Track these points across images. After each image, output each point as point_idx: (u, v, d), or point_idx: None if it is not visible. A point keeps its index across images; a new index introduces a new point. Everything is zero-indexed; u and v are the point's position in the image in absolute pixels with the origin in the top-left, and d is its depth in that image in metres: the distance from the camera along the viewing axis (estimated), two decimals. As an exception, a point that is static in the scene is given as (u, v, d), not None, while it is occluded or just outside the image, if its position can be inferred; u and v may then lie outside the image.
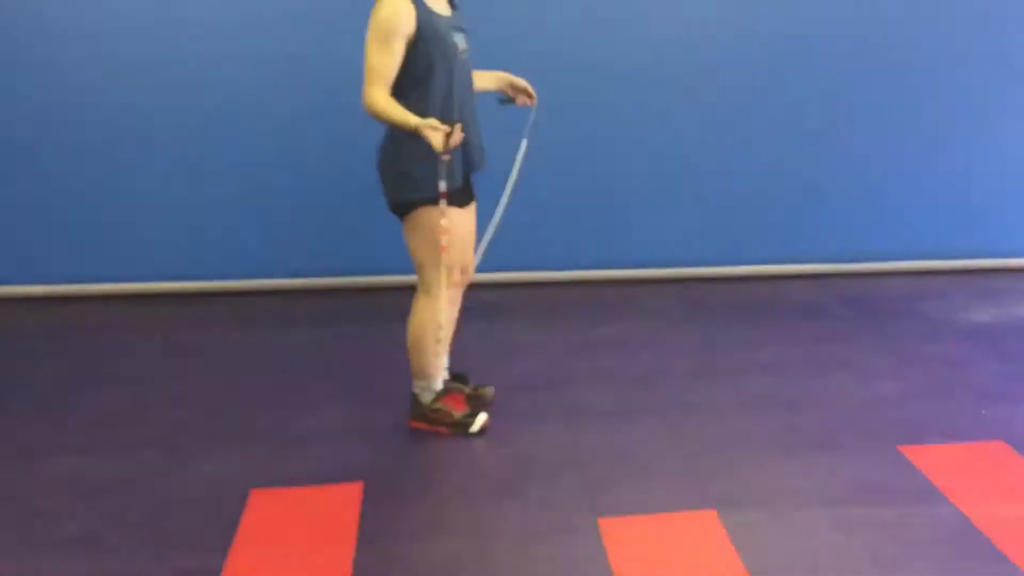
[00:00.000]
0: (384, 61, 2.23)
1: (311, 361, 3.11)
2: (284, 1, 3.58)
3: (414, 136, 2.20)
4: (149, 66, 3.56)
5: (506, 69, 2.60)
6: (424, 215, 2.34)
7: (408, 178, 2.33)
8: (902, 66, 3.90)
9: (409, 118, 2.19)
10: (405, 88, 2.27)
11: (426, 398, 2.56)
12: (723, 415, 2.65)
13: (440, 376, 2.57)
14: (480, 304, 3.56)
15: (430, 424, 2.57)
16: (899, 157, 4.02)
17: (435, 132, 2.16)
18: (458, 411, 2.57)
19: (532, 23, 3.65)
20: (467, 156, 2.40)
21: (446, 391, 2.58)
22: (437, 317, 2.44)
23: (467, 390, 2.66)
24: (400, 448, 2.47)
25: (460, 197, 2.41)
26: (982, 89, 3.98)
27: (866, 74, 3.90)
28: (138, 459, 2.37)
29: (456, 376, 2.69)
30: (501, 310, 2.62)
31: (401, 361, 2.90)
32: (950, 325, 3.46)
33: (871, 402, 2.73)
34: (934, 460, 2.34)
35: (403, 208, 2.39)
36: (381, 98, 2.23)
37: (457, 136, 2.19)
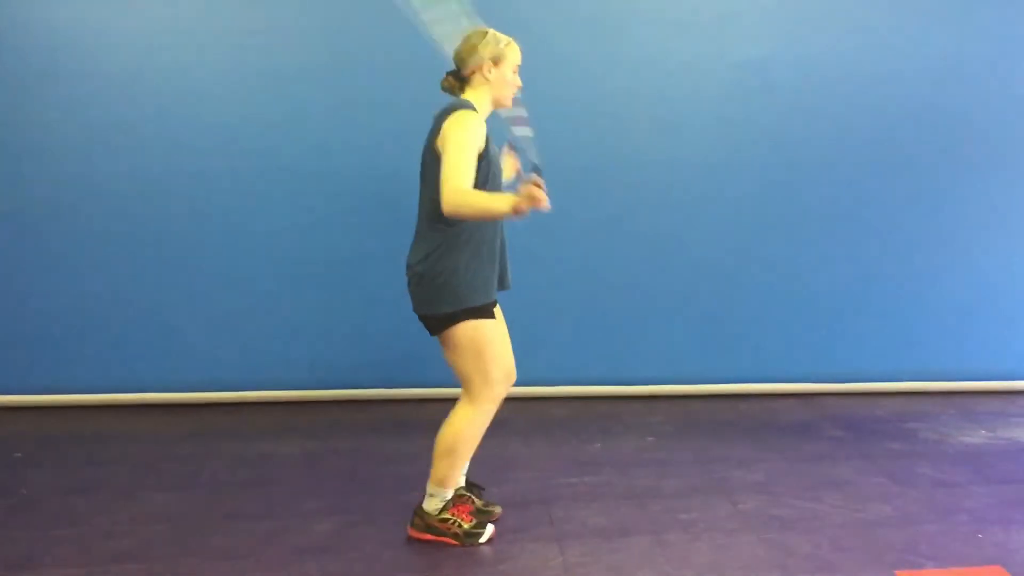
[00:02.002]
0: (471, 164, 2.25)
1: (302, 475, 3.08)
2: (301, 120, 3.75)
3: (454, 248, 2.29)
4: (148, 179, 3.68)
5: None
6: (465, 329, 2.38)
7: (449, 290, 2.35)
8: (896, 192, 4.05)
9: (501, 199, 2.17)
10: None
11: (434, 506, 2.53)
12: (716, 534, 2.62)
13: (455, 486, 2.56)
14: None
15: (435, 535, 2.54)
16: (891, 280, 4.12)
17: (539, 194, 2.12)
18: (466, 522, 2.54)
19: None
20: (501, 274, 2.48)
21: (454, 500, 2.56)
22: (478, 427, 2.47)
23: (479, 503, 2.64)
24: (389, 564, 2.42)
25: (492, 309, 2.46)
26: (974, 216, 4.11)
27: (860, 199, 4.04)
28: (116, 574, 2.32)
29: (472, 485, 2.68)
30: (493, 424, 2.63)
31: (392, 476, 2.88)
32: (942, 447, 3.46)
33: (865, 524, 2.70)
34: (931, 585, 2.31)
35: (443, 322, 2.39)
36: (470, 189, 2.21)
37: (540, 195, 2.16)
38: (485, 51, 2.40)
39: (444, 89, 2.50)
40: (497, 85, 2.44)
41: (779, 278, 4.06)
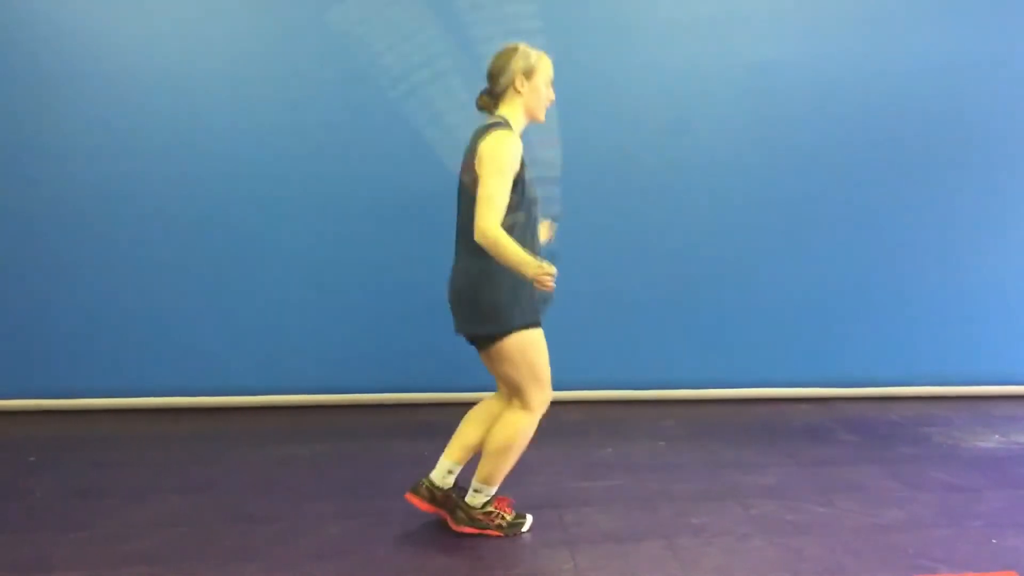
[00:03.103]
0: (505, 193, 2.28)
1: (313, 478, 3.09)
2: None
3: (499, 268, 2.30)
4: (162, 184, 3.70)
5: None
6: (515, 341, 2.41)
7: (497, 311, 2.37)
8: (909, 196, 4.05)
9: (527, 258, 2.20)
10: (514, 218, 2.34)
11: (478, 501, 2.60)
12: (728, 539, 2.61)
13: (498, 484, 2.62)
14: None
15: (479, 528, 2.61)
16: (904, 283, 4.11)
17: (548, 283, 2.19)
18: (508, 514, 2.63)
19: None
20: (545, 296, 2.50)
21: (496, 496, 2.64)
22: (530, 432, 2.53)
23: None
24: (400, 567, 2.42)
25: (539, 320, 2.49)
26: (987, 219, 4.11)
27: (872, 204, 4.04)
28: (132, 576, 2.33)
29: (458, 488, 2.70)
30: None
31: (402, 479, 2.88)
32: (955, 451, 3.44)
33: (879, 529, 2.69)
34: (945, 590, 2.30)
35: (493, 340, 2.42)
36: (501, 231, 2.23)
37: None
38: (516, 65, 2.43)
39: (480, 108, 2.53)
40: (530, 98, 2.47)
41: (792, 282, 4.05)
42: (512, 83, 2.44)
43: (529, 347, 2.44)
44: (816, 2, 3.85)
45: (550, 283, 2.20)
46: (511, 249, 2.23)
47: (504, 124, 2.40)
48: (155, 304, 3.77)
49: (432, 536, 2.61)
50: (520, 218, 2.40)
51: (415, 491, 2.67)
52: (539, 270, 2.19)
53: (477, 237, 2.25)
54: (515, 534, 2.63)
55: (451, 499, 2.65)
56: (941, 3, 3.90)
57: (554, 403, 3.95)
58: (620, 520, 2.74)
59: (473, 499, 2.62)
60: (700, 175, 3.93)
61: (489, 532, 2.62)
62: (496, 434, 2.54)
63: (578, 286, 3.91)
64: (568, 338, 3.97)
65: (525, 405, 2.52)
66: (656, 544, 2.57)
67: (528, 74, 2.44)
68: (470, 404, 3.70)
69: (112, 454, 3.31)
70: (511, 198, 2.32)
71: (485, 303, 2.38)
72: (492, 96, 2.49)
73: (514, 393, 2.53)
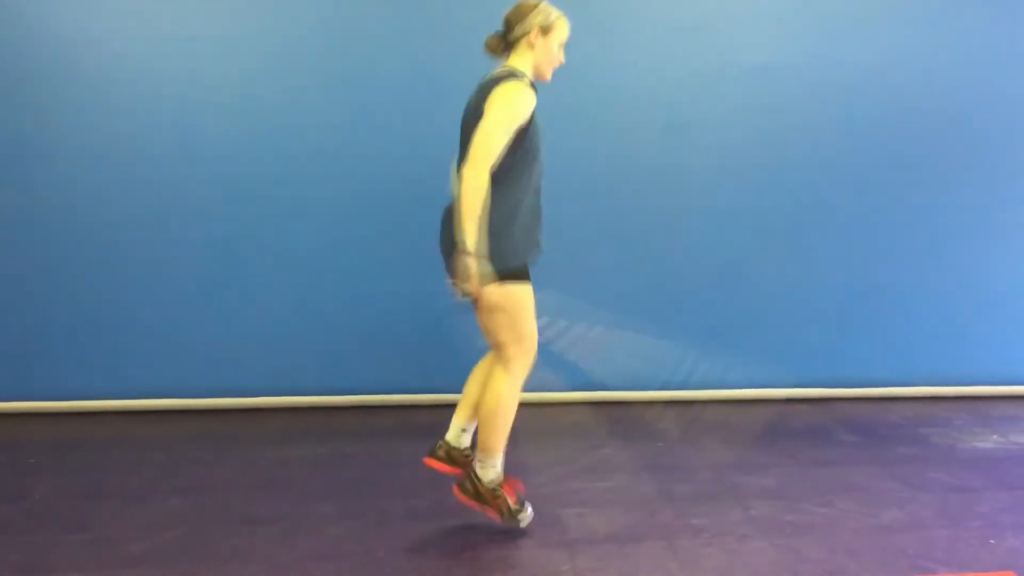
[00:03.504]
0: (501, 145, 2.27)
1: (314, 479, 3.09)
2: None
3: (495, 208, 2.30)
4: (160, 186, 3.70)
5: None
6: (500, 291, 2.38)
7: (490, 250, 2.34)
8: (907, 196, 4.05)
9: (471, 232, 2.22)
10: (501, 174, 2.32)
11: (488, 475, 2.58)
12: (728, 540, 2.61)
13: (502, 452, 2.60)
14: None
15: (481, 503, 2.60)
16: (903, 284, 4.12)
17: (471, 277, 2.24)
18: (513, 503, 2.62)
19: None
20: (536, 247, 2.49)
21: (505, 477, 2.62)
22: (515, 394, 2.52)
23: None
24: (401, 568, 2.42)
25: (529, 274, 2.48)
26: (985, 219, 4.11)
27: (871, 204, 4.04)
28: (133, 577, 2.34)
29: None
30: (514, 430, 2.65)
31: (403, 480, 2.89)
32: (954, 452, 3.45)
33: (878, 529, 2.69)
34: (945, 591, 2.31)
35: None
36: (484, 183, 2.23)
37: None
38: (536, 19, 2.41)
39: (487, 49, 2.50)
40: (541, 55, 2.45)
41: (791, 282, 4.06)
42: (527, 35, 2.42)
43: (517, 301, 2.41)
44: (815, 5, 3.85)
45: (468, 286, 2.26)
46: (471, 212, 2.22)
47: (518, 75, 2.38)
48: (155, 306, 3.77)
49: (433, 537, 2.61)
50: (529, 178, 2.40)
51: (433, 454, 2.69)
52: (466, 263, 2.22)
53: (462, 171, 2.25)
54: (513, 525, 2.62)
55: (468, 462, 2.66)
56: (940, 5, 3.91)
57: (553, 404, 4.00)
58: (620, 521, 2.75)
59: (484, 472, 2.60)
60: (699, 177, 3.93)
61: (488, 511, 2.60)
62: (483, 402, 2.54)
63: (577, 287, 3.92)
64: (566, 339, 3.99)
65: (506, 366, 2.51)
66: (656, 545, 2.57)
67: (545, 30, 2.43)
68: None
69: (112, 456, 3.32)
70: (516, 152, 2.32)
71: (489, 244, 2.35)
72: (503, 43, 2.47)
73: (496, 349, 2.52)
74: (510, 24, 2.45)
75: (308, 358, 3.90)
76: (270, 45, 3.65)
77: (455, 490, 2.65)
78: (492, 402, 2.52)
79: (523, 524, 2.64)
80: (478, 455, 2.61)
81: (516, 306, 2.42)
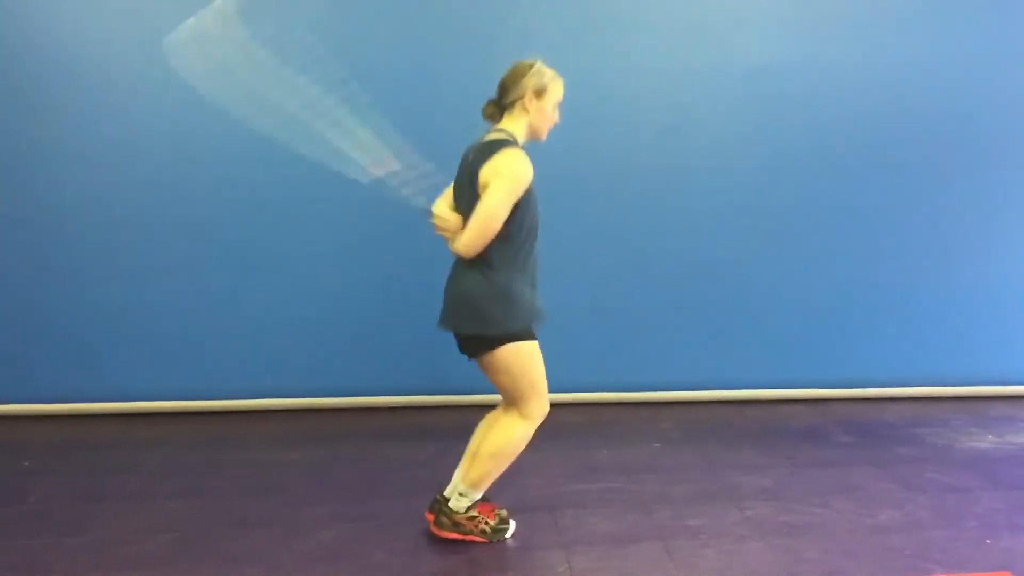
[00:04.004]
0: (503, 220, 2.30)
1: (309, 482, 3.09)
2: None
3: (499, 270, 2.35)
4: (158, 189, 3.70)
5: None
6: (510, 351, 2.39)
7: (497, 315, 2.36)
8: (904, 197, 4.05)
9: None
10: (499, 241, 2.34)
11: (461, 505, 2.57)
12: (725, 541, 2.61)
13: (484, 490, 2.60)
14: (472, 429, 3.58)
15: (462, 533, 2.59)
16: (899, 284, 4.12)
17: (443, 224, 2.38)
18: (491, 520, 2.61)
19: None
20: (538, 313, 2.49)
21: (478, 501, 2.62)
22: (525, 440, 2.52)
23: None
24: (397, 570, 2.42)
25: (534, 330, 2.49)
26: (981, 220, 4.11)
27: (869, 204, 4.04)
28: (129, 580, 2.33)
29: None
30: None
31: (398, 483, 2.88)
32: (950, 452, 3.45)
33: (875, 530, 2.70)
34: (941, 591, 2.31)
35: (489, 345, 2.40)
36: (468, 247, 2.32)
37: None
38: (529, 82, 2.42)
39: (485, 117, 2.52)
40: (536, 117, 2.45)
41: (788, 283, 4.06)
42: (522, 99, 2.42)
43: (524, 358, 2.43)
44: (814, 5, 3.85)
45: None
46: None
47: (512, 142, 2.38)
48: (151, 309, 3.76)
49: (428, 540, 2.61)
50: (528, 266, 2.44)
51: (438, 521, 2.64)
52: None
53: (457, 246, 2.31)
54: (499, 540, 2.61)
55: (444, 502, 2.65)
56: (940, 5, 3.91)
57: (550, 405, 3.98)
58: (616, 522, 2.75)
59: (457, 503, 2.59)
60: (697, 177, 3.93)
61: (472, 538, 2.60)
62: (490, 439, 2.53)
63: (574, 288, 3.92)
64: (565, 340, 3.97)
65: (523, 414, 2.51)
66: (653, 546, 2.58)
67: (539, 93, 2.43)
68: (465, 407, 3.73)
69: (108, 459, 3.31)
70: (514, 222, 2.34)
71: (483, 308, 2.37)
72: (499, 107, 2.48)
73: (512, 403, 2.53)
74: (505, 88, 2.45)
75: (304, 360, 3.89)
76: (266, 45, 3.64)
77: (432, 530, 2.62)
78: (502, 441, 2.51)
79: (509, 535, 2.63)
80: (462, 488, 2.58)
81: (525, 363, 2.43)
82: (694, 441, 3.57)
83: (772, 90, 3.88)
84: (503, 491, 2.92)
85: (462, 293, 2.41)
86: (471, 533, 2.60)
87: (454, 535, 2.59)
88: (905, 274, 4.11)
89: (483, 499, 2.66)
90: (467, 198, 2.39)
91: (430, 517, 2.67)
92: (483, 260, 2.36)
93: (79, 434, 3.61)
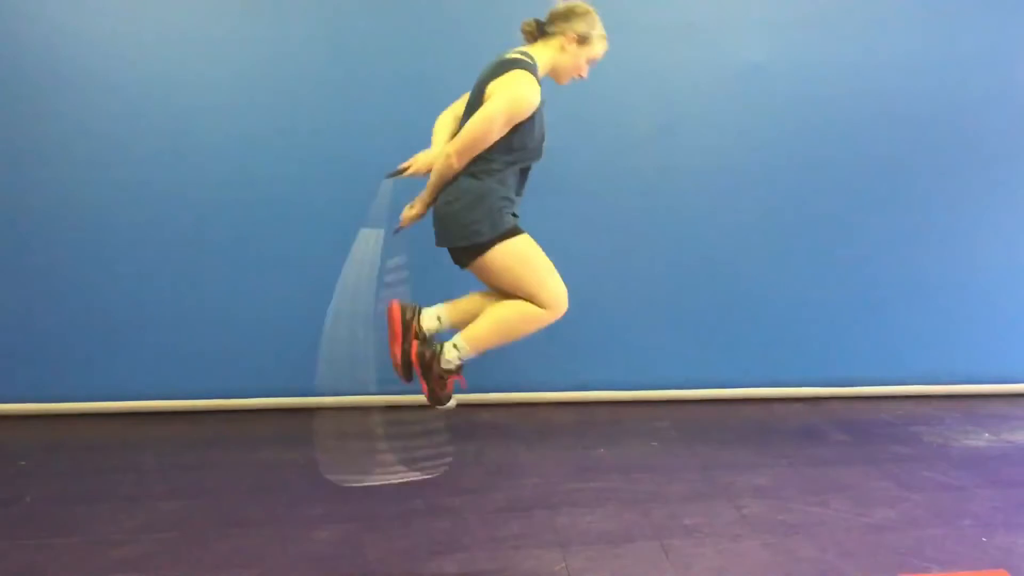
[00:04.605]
0: (495, 138, 2.30)
1: (304, 482, 3.08)
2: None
3: (488, 182, 2.36)
4: (153, 188, 3.68)
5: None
6: (504, 248, 2.41)
7: (488, 219, 2.37)
8: (898, 196, 4.05)
9: (436, 184, 2.45)
10: (494, 152, 2.36)
11: (449, 359, 2.54)
12: (721, 540, 2.61)
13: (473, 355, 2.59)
14: (473, 424, 3.57)
15: (425, 378, 2.57)
16: (894, 283, 4.12)
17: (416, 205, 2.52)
18: (449, 389, 2.60)
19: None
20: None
21: (456, 370, 2.59)
22: (534, 324, 2.49)
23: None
24: (392, 570, 2.42)
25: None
26: (975, 218, 4.12)
27: (863, 204, 4.04)
28: (123, 581, 2.32)
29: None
30: (494, 431, 2.65)
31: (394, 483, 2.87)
32: (946, 451, 3.46)
33: (870, 528, 2.70)
34: (937, 589, 2.31)
35: (478, 250, 2.41)
36: (459, 169, 2.36)
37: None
38: (579, 25, 2.42)
39: (523, 32, 2.50)
40: (566, 59, 2.45)
41: (782, 282, 4.06)
42: (563, 35, 2.41)
43: (519, 252, 2.43)
44: (807, 6, 3.85)
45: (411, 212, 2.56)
46: (440, 182, 2.43)
47: (530, 65, 2.36)
48: (144, 307, 3.75)
49: (424, 539, 2.61)
50: (511, 180, 2.46)
51: (402, 307, 2.63)
52: (430, 189, 2.50)
53: (448, 149, 2.35)
54: (437, 408, 2.64)
55: (423, 337, 2.60)
56: (934, 7, 3.91)
57: (546, 404, 3.99)
58: (612, 521, 2.75)
59: (446, 354, 2.55)
60: (690, 177, 3.93)
61: (423, 383, 2.58)
62: (504, 304, 2.50)
63: (568, 286, 3.90)
64: (560, 338, 3.97)
65: (543, 304, 2.51)
66: (649, 545, 2.57)
67: (583, 40, 2.43)
68: (464, 405, 3.70)
69: (102, 459, 3.30)
70: (507, 141, 2.34)
71: (465, 216, 2.39)
72: (538, 30, 2.46)
73: (530, 300, 2.51)
74: (553, 17, 2.44)
75: (298, 359, 3.87)
76: (262, 48, 3.64)
77: (412, 352, 2.56)
78: (511, 310, 2.48)
79: (451, 406, 2.66)
80: (457, 339, 2.55)
81: (525, 256, 2.42)
82: (690, 440, 3.57)
83: (764, 90, 3.88)
84: (499, 489, 2.92)
85: (442, 207, 2.44)
86: (430, 383, 2.57)
87: (417, 370, 2.57)
88: (899, 272, 4.12)
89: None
90: (473, 112, 2.38)
91: (396, 308, 2.61)
92: (467, 170, 2.37)
93: (72, 434, 3.59)
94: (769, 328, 4.09)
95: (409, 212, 2.65)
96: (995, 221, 4.13)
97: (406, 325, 2.60)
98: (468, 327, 2.54)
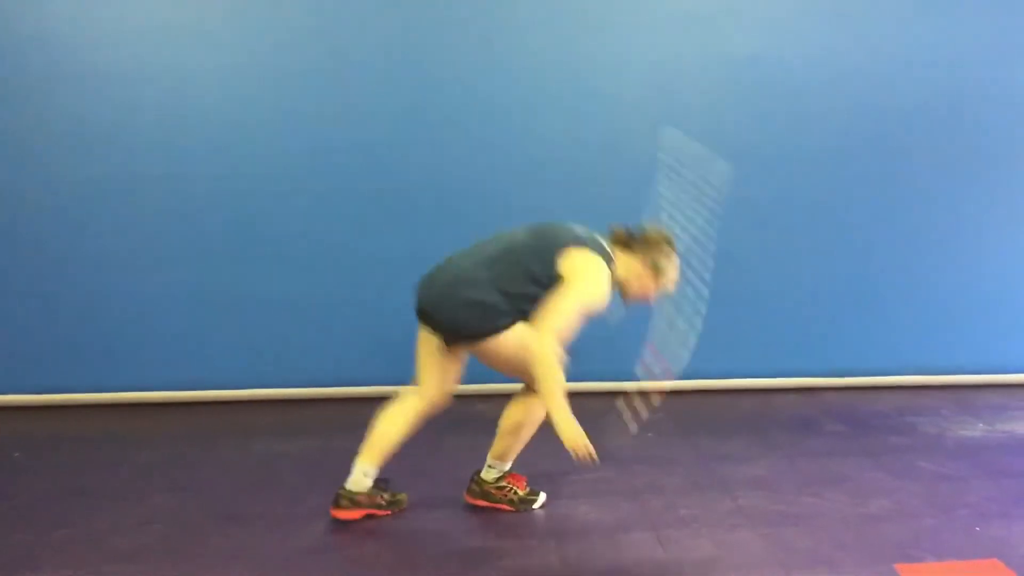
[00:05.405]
0: (578, 320, 2.35)
1: (301, 474, 3.08)
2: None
3: (488, 287, 2.39)
4: (149, 180, 3.67)
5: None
6: (509, 337, 2.44)
7: (490, 309, 2.40)
8: (893, 188, 4.06)
9: (560, 405, 2.30)
10: (532, 302, 2.41)
11: (490, 476, 2.73)
12: (716, 530, 2.62)
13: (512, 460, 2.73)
14: (470, 417, 3.57)
15: (492, 501, 2.74)
16: (890, 274, 4.13)
17: (582, 447, 2.29)
18: (520, 489, 2.73)
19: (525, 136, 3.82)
20: None
21: (509, 471, 2.75)
22: (540, 412, 2.59)
23: (387, 496, 2.71)
24: (390, 562, 2.42)
25: None
26: (971, 210, 4.12)
27: (859, 195, 4.05)
28: None
29: (380, 481, 2.72)
30: (490, 422, 2.65)
31: (387, 473, 2.87)
32: (941, 441, 3.47)
33: (865, 519, 2.70)
34: (931, 579, 2.32)
35: (485, 335, 2.44)
36: (559, 354, 2.31)
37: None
38: (660, 258, 2.54)
39: (610, 232, 2.60)
40: (632, 279, 2.56)
41: (779, 273, 4.06)
42: (641, 261, 2.53)
43: (519, 338, 2.46)
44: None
45: (582, 451, 2.28)
46: (555, 385, 2.29)
47: (610, 261, 2.46)
48: (141, 299, 3.74)
49: (422, 530, 2.61)
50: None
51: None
52: (574, 436, 2.27)
53: (535, 344, 2.29)
54: (526, 509, 2.73)
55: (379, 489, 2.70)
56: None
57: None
58: (608, 512, 2.75)
59: (487, 473, 2.73)
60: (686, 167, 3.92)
61: (501, 506, 2.72)
62: (508, 415, 2.65)
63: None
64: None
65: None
66: (644, 536, 2.58)
67: (655, 272, 2.55)
68: (460, 396, 3.70)
69: (98, 451, 3.29)
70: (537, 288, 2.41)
71: (484, 300, 2.41)
72: (627, 239, 2.57)
73: (526, 381, 2.59)
74: (645, 239, 2.56)
75: (295, 351, 3.88)
76: (258, 40, 3.63)
77: (465, 497, 2.77)
78: (519, 416, 2.64)
79: (537, 505, 2.75)
80: (490, 460, 2.74)
81: (524, 340, 2.45)
82: (686, 431, 3.58)
83: (763, 81, 3.87)
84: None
85: (451, 297, 2.43)
86: (500, 501, 2.73)
87: (483, 503, 2.73)
88: (895, 263, 4.12)
89: (514, 470, 2.80)
90: (533, 258, 2.41)
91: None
92: (494, 290, 2.40)
93: (68, 426, 3.59)
94: (765, 319, 4.10)
95: (574, 444, 2.39)
96: (991, 213, 4.13)
97: (486, 495, 2.75)
98: (494, 447, 2.72)
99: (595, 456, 2.29)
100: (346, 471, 3.12)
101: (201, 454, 3.26)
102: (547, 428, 3.57)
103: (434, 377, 2.64)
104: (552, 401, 2.29)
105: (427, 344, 2.63)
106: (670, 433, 3.55)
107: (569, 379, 3.98)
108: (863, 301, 4.14)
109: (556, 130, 3.77)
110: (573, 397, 3.97)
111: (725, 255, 4.00)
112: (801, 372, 4.18)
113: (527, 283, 2.40)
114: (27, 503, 2.80)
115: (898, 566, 2.38)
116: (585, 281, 2.34)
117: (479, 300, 2.42)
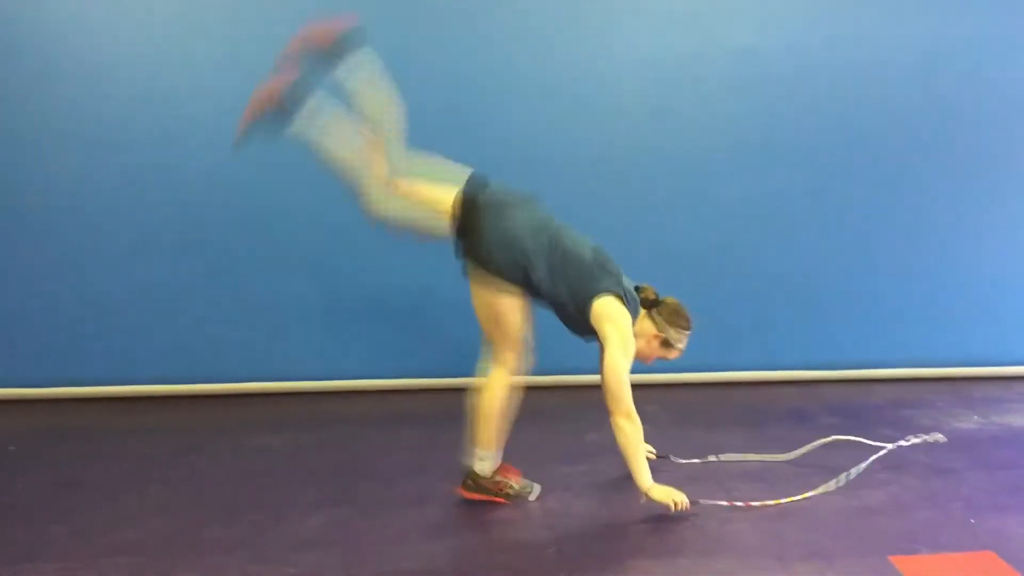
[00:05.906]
0: (628, 374, 2.58)
1: (296, 467, 3.08)
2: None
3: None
4: (144, 172, 3.65)
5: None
6: (511, 292, 2.58)
7: (523, 267, 2.54)
8: (890, 181, 4.05)
9: (644, 472, 2.58)
10: (529, 268, 2.55)
11: (485, 468, 2.72)
12: (712, 523, 2.62)
13: (500, 448, 2.75)
14: (463, 409, 3.57)
15: (487, 494, 2.74)
16: (886, 267, 4.13)
17: (681, 504, 2.58)
18: (516, 483, 2.75)
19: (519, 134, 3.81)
20: None
21: (501, 464, 2.78)
22: (502, 392, 2.67)
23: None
24: (384, 555, 2.42)
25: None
26: (967, 203, 4.12)
27: (854, 187, 4.04)
28: (114, 570, 2.31)
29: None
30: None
31: (385, 467, 2.88)
32: (936, 433, 3.46)
33: (860, 511, 2.71)
34: (925, 571, 2.32)
35: (500, 276, 2.56)
36: (636, 422, 2.58)
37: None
38: (671, 332, 2.74)
39: (637, 290, 2.77)
40: (643, 343, 2.72)
41: (774, 266, 4.06)
42: (655, 330, 2.73)
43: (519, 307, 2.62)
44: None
45: (682, 506, 2.58)
46: (637, 455, 2.58)
47: (629, 301, 2.64)
48: (135, 293, 3.73)
49: (416, 524, 2.61)
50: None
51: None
52: (670, 498, 2.57)
53: (618, 429, 2.58)
54: (523, 501, 2.75)
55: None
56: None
57: (536, 388, 3.97)
58: (603, 505, 2.75)
59: (480, 466, 2.72)
60: (684, 162, 3.92)
61: (496, 499, 2.73)
62: (483, 401, 2.67)
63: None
64: (550, 322, 3.96)
65: (502, 362, 2.68)
66: (640, 528, 2.58)
67: (664, 343, 2.75)
68: (451, 390, 3.71)
69: (93, 444, 3.29)
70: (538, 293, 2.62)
71: (522, 256, 2.53)
72: (652, 301, 2.76)
73: (502, 347, 2.66)
74: (663, 311, 2.75)
75: (289, 344, 3.87)
76: (259, 34, 3.60)
77: (460, 492, 2.76)
78: (486, 400, 2.67)
79: (533, 497, 2.77)
80: (476, 451, 2.72)
81: (519, 309, 2.64)
82: (681, 423, 3.58)
83: (760, 74, 3.86)
84: (491, 475, 2.92)
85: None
86: (496, 495, 2.73)
87: (479, 496, 2.73)
88: (890, 256, 4.12)
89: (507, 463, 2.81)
90: (583, 271, 2.60)
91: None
92: (563, 286, 2.61)
93: (63, 419, 3.58)
94: (760, 312, 4.10)
95: (673, 503, 2.62)
96: (988, 207, 4.13)
97: (481, 489, 2.76)
98: (476, 436, 2.72)
99: (689, 505, 2.60)
100: (344, 463, 3.13)
101: (198, 447, 3.26)
102: (533, 419, 3.59)
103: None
104: (640, 478, 2.58)
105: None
106: (666, 425, 3.55)
107: (564, 372, 4.02)
108: (858, 293, 4.14)
109: (551, 126, 3.76)
110: (568, 390, 4.00)
111: (721, 248, 4.02)
112: (796, 365, 4.19)
113: (560, 285, 2.58)
114: (23, 497, 2.80)
115: (893, 558, 2.38)
116: (618, 342, 2.55)
117: (524, 251, 2.51)
